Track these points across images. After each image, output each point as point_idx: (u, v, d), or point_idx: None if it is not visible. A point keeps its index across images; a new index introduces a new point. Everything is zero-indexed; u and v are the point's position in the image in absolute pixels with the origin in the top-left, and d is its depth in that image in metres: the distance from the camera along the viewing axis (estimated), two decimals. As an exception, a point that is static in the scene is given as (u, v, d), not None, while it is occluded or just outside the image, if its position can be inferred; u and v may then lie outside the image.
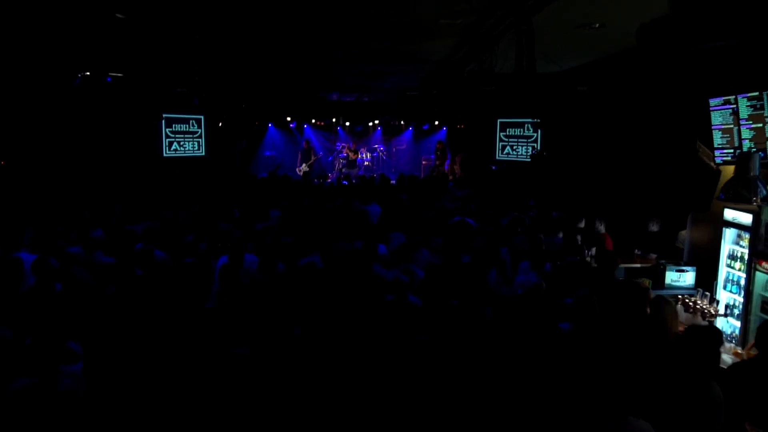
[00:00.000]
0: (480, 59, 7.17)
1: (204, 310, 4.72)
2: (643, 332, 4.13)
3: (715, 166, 7.71)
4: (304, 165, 17.82)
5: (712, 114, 7.20)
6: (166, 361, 3.69)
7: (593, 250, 7.78)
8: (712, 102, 7.16)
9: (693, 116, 7.66)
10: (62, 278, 5.01)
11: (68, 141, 10.24)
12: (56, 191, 9.64)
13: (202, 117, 17.10)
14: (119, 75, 8.76)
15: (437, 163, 18.73)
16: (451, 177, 17.27)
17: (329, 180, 16.88)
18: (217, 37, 7.27)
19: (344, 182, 13.47)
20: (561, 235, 7.60)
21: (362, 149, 19.25)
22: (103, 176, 11.15)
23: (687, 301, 5.63)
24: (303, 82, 13.72)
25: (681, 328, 5.23)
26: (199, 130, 17.11)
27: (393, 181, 14.30)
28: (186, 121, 16.69)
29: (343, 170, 17.10)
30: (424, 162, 19.58)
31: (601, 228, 8.15)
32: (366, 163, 19.21)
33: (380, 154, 19.71)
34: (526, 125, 15.94)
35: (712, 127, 7.25)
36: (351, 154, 17.75)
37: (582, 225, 8.05)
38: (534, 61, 5.41)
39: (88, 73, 8.34)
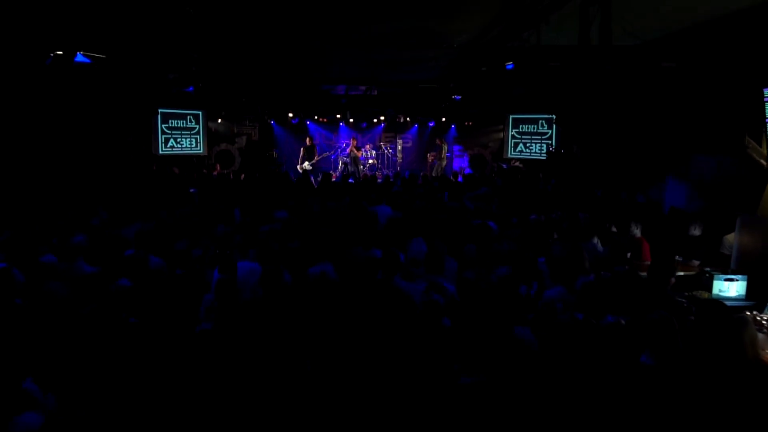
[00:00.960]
0: (519, 38, 6.37)
1: (196, 335, 3.97)
2: (732, 364, 3.39)
3: (766, 164, 6.98)
4: (306, 163, 17.07)
5: (768, 105, 6.49)
6: (151, 410, 2.94)
7: (627, 256, 7.05)
8: (768, 92, 6.46)
9: (743, 108, 6.94)
10: (28, 294, 4.27)
11: (46, 133, 9.31)
12: (37, 190, 8.85)
13: (200, 113, 16.38)
14: (101, 56, 7.72)
15: (430, 158, 18.05)
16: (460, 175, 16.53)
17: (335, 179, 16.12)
18: (212, 11, 6.40)
19: (350, 180, 12.71)
20: (596, 240, 6.85)
21: (367, 147, 18.51)
22: (89, 173, 10.29)
23: (759, 318, 4.89)
24: (308, 72, 12.82)
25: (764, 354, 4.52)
26: (197, 126, 16.38)
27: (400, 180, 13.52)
28: (183, 117, 15.98)
29: (350, 168, 16.33)
30: (429, 159, 18.86)
31: (637, 232, 7.40)
32: (371, 161, 18.50)
33: (386, 151, 18.98)
34: (540, 122, 15.25)
35: (767, 120, 6.54)
36: (356, 152, 16.99)
37: (615, 229, 7.32)
38: (610, 33, 4.63)
39: (60, 53, 7.31)
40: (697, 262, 7.32)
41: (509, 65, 7.40)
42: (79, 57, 7.19)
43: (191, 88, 9.98)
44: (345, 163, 17.82)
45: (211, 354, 3.68)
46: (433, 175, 16.42)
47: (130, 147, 13.31)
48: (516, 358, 3.35)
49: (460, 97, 11.82)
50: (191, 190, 10.25)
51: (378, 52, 9.21)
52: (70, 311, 4.35)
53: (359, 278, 4.71)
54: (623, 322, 3.65)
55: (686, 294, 5.46)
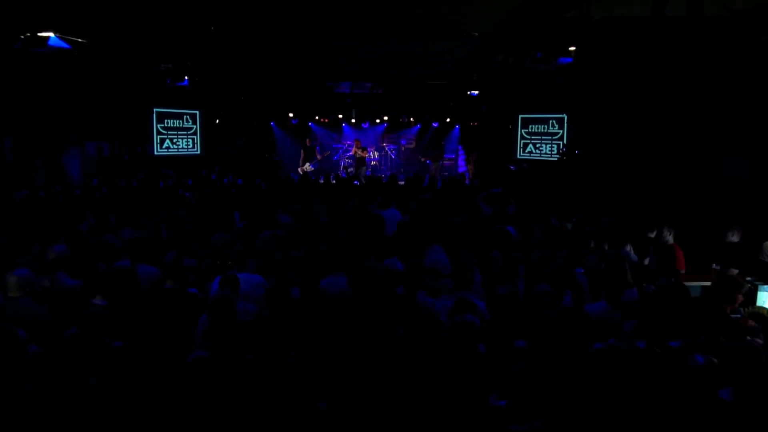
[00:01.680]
0: (559, 17, 5.69)
1: (189, 365, 3.37)
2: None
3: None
4: (307, 164, 16.48)
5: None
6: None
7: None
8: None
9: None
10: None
11: (28, 129, 8.52)
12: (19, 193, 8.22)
13: (197, 112, 15.78)
14: (81, 41, 6.90)
15: (423, 160, 17.56)
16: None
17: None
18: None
19: (355, 183, 12.12)
20: (629, 248, 6.27)
21: (370, 148, 17.94)
22: (77, 175, 9.60)
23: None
24: (312, 67, 12.11)
25: None
26: (194, 126, 15.77)
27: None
28: (180, 116, 15.37)
29: (350, 170, 15.74)
30: (423, 160, 18.28)
31: (670, 238, 6.84)
32: (373, 162, 17.93)
33: (389, 152, 18.40)
34: (551, 121, 14.70)
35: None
36: (360, 152, 16.39)
37: (653, 234, 6.74)
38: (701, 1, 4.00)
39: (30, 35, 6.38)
40: (735, 271, 6.75)
41: (567, 50, 6.47)
42: (54, 41, 6.41)
43: (186, 82, 9.25)
44: (347, 166, 17.24)
45: (207, 388, 3.10)
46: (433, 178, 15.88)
47: (123, 147, 12.72)
48: (578, 396, 2.78)
49: (477, 92, 11.09)
50: (186, 194, 9.66)
51: (389, 44, 8.54)
52: (45, 335, 3.78)
53: (377, 294, 4.13)
54: (707, 361, 3.06)
55: (743, 310, 4.89)
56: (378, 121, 17.93)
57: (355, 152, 16.57)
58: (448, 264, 5.65)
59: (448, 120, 17.97)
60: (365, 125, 18.27)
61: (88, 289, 4.63)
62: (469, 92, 11.08)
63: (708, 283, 6.47)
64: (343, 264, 4.81)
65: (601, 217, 8.05)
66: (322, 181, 13.17)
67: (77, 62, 7.92)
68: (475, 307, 3.92)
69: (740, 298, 4.27)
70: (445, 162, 18.00)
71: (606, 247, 6.37)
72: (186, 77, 9.19)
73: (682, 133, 8.85)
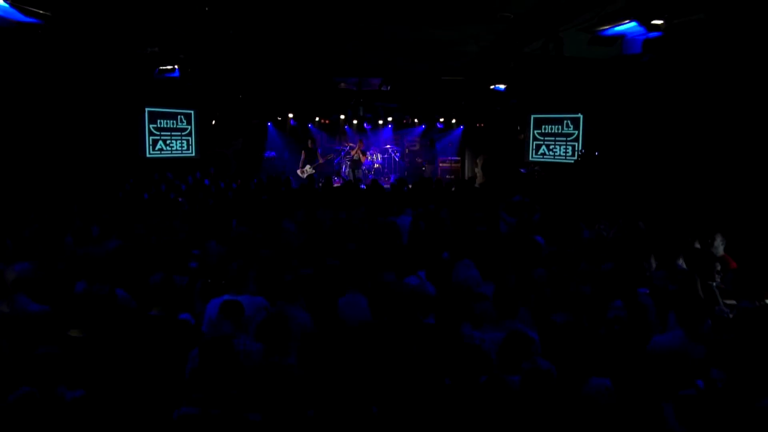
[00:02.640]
0: None
1: (174, 423, 2.60)
2: None
3: None
4: (308, 167, 15.72)
5: None
6: None
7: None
8: None
9: None
10: None
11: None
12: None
13: (192, 112, 14.99)
14: (45, 13, 5.83)
15: (420, 161, 16.82)
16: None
17: (336, 183, 14.71)
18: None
19: (362, 186, 11.37)
20: (681, 261, 5.53)
21: (373, 150, 17.16)
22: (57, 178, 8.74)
23: None
24: (315, 61, 11.23)
25: None
26: (189, 127, 14.96)
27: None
28: (174, 116, 14.57)
29: (356, 172, 15.01)
30: (442, 164, 17.50)
31: (721, 248, 6.10)
32: (376, 165, 17.16)
33: (393, 155, 17.60)
34: (565, 121, 13.98)
35: None
36: (361, 155, 15.66)
37: (701, 245, 5.99)
38: None
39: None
40: (798, 287, 6.01)
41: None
42: (6, 11, 5.32)
43: (177, 73, 8.39)
44: (348, 168, 16.50)
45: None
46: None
47: (112, 148, 11.91)
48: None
49: (504, 87, 10.16)
50: (180, 200, 8.89)
51: (404, 30, 7.70)
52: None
53: (407, 325, 3.36)
54: None
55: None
56: (381, 123, 17.16)
57: (356, 154, 15.85)
58: (481, 281, 4.91)
59: (453, 120, 17.19)
60: (367, 126, 17.49)
61: (59, 316, 3.90)
62: (492, 86, 10.19)
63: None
64: (358, 281, 4.06)
65: (637, 223, 7.31)
66: (322, 184, 12.43)
67: (45, 43, 6.91)
68: (532, 342, 3.16)
69: None
70: (452, 165, 17.24)
71: (652, 260, 5.64)
72: (177, 67, 8.34)
73: (719, 131, 8.15)
